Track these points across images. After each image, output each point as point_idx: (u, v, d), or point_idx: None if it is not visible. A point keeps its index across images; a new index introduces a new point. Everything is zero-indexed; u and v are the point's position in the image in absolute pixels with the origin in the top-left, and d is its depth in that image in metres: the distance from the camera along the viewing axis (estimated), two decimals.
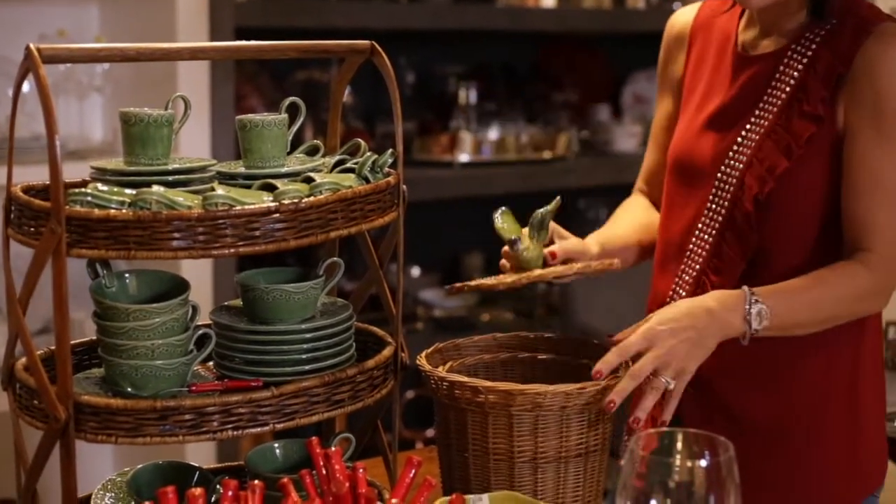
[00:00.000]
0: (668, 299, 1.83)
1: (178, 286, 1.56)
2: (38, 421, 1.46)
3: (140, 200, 1.42)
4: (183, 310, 1.53)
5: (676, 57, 1.98)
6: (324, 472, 1.36)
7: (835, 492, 1.82)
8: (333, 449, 1.37)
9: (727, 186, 1.78)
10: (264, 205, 1.45)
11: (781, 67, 1.78)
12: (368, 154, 1.63)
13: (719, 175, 1.79)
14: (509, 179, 3.80)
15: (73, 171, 1.54)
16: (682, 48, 1.97)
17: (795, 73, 1.75)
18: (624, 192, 2.16)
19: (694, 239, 1.82)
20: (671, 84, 2.00)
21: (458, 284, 1.71)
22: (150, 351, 1.49)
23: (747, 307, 1.64)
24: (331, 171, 1.63)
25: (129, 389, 1.50)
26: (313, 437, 1.43)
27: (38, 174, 1.58)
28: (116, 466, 3.26)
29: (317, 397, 1.53)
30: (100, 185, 1.47)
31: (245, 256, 1.65)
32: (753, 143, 1.76)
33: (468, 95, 3.95)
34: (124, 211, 1.41)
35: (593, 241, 1.87)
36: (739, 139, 1.79)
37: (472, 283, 1.70)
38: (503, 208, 1.77)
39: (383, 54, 1.64)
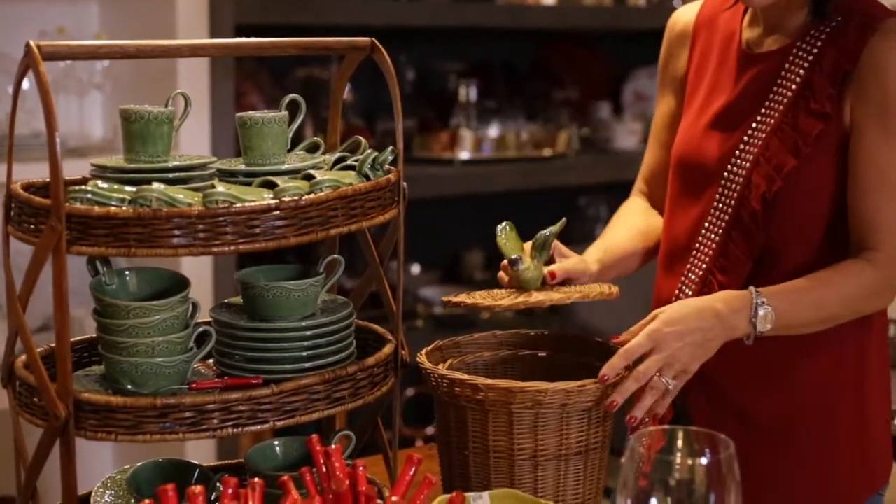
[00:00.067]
0: (673, 299, 1.83)
1: (179, 283, 1.56)
2: (38, 418, 1.46)
3: (140, 198, 1.42)
4: (183, 307, 1.53)
5: (679, 54, 1.98)
6: (324, 469, 1.36)
7: (841, 490, 1.82)
8: (333, 446, 1.37)
9: (734, 185, 1.77)
10: (264, 202, 1.45)
11: (787, 65, 1.77)
12: (369, 151, 1.63)
13: (725, 174, 1.79)
14: (509, 177, 3.80)
15: (73, 169, 1.54)
16: (685, 46, 1.96)
17: (801, 71, 1.75)
18: (624, 189, 2.16)
19: (700, 238, 1.82)
20: (673, 81, 1.99)
21: (455, 299, 1.69)
22: (150, 348, 1.49)
23: (753, 309, 1.64)
24: (331, 168, 1.63)
25: (129, 387, 1.50)
26: (313, 435, 1.43)
27: (38, 171, 1.58)
28: (116, 464, 3.26)
29: (317, 395, 1.53)
30: (100, 183, 1.46)
31: (245, 254, 1.64)
32: (760, 142, 1.76)
33: (468, 93, 3.95)
34: (124, 208, 1.41)
35: (593, 258, 1.86)
36: (746, 138, 1.78)
37: (469, 300, 1.68)
38: (506, 223, 1.75)
39: (383, 51, 1.64)
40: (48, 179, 1.38)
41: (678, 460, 1.17)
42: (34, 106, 1.54)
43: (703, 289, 1.78)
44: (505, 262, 1.74)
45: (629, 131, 4.20)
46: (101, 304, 1.51)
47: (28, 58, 1.40)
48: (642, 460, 1.16)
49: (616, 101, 4.44)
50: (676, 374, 1.61)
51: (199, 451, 2.96)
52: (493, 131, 3.85)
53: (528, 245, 1.76)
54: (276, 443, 1.65)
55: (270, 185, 1.52)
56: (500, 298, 1.69)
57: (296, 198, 1.47)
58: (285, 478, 1.31)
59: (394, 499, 1.28)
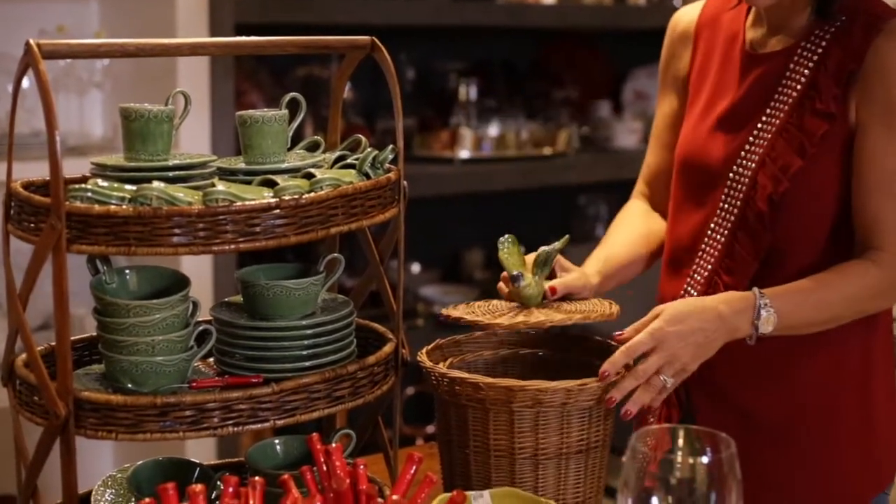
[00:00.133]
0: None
1: (179, 282, 1.56)
2: (38, 417, 1.46)
3: (140, 196, 1.42)
4: (183, 306, 1.52)
5: (681, 54, 1.97)
6: (324, 468, 1.36)
7: (846, 489, 1.82)
8: (334, 445, 1.37)
9: (739, 186, 1.77)
10: (265, 201, 1.45)
11: (791, 65, 1.77)
12: (369, 150, 1.63)
13: (731, 175, 1.79)
14: (509, 176, 3.80)
15: (73, 168, 1.54)
16: (687, 46, 1.96)
17: (806, 71, 1.75)
18: (624, 188, 2.16)
19: (706, 239, 1.81)
20: (675, 82, 1.99)
21: (455, 314, 1.69)
22: (150, 347, 1.49)
23: (756, 311, 1.64)
24: (331, 167, 1.63)
25: (130, 386, 1.50)
26: (314, 434, 1.43)
27: (37, 170, 1.58)
28: (116, 463, 3.26)
29: (317, 394, 1.53)
30: (100, 181, 1.46)
31: (245, 252, 1.64)
32: (765, 143, 1.76)
33: (468, 92, 3.95)
34: (124, 207, 1.41)
35: (593, 270, 1.85)
36: (751, 138, 1.78)
37: (469, 316, 1.68)
38: (508, 236, 1.75)
39: (384, 50, 1.63)
40: (48, 178, 1.38)
41: (679, 459, 1.17)
42: (34, 104, 1.54)
43: (709, 290, 1.78)
44: (505, 274, 1.73)
45: (629, 130, 4.20)
46: (102, 302, 1.51)
47: (28, 56, 1.39)
48: (646, 460, 1.16)
49: (616, 100, 4.44)
50: (675, 373, 1.62)
51: (200, 450, 2.96)
52: (493, 130, 3.85)
53: (530, 258, 1.75)
54: (277, 441, 1.65)
55: (270, 184, 1.52)
56: (500, 314, 1.68)
57: (296, 196, 1.47)
58: (286, 476, 1.31)
59: (394, 497, 1.28)
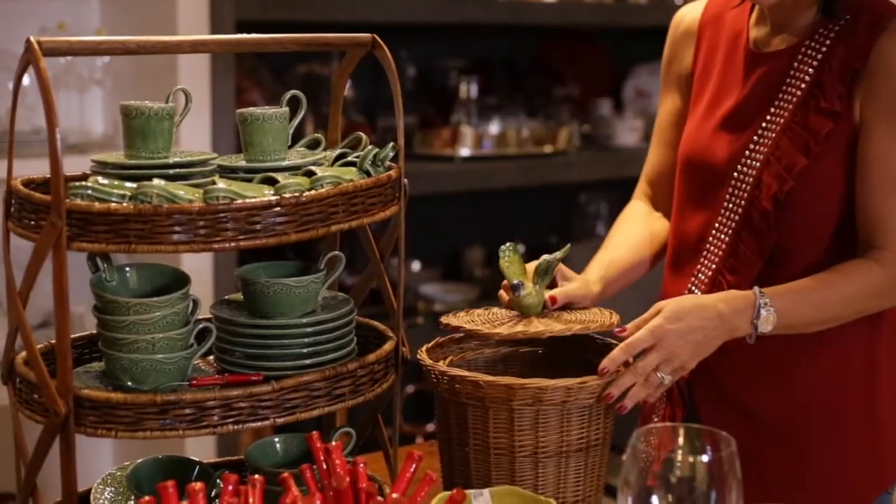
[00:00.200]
0: None
1: (179, 280, 1.56)
2: (38, 415, 1.46)
3: (141, 194, 1.42)
4: (183, 304, 1.52)
5: (684, 53, 1.97)
6: (324, 466, 1.36)
7: (850, 488, 1.82)
8: (334, 443, 1.37)
9: (744, 185, 1.77)
10: (265, 198, 1.45)
11: (795, 64, 1.77)
12: (370, 148, 1.63)
13: (736, 174, 1.78)
14: (510, 173, 3.80)
15: (73, 165, 1.54)
16: (690, 44, 1.95)
17: (810, 70, 1.75)
18: (625, 186, 2.15)
19: (710, 238, 1.81)
20: (678, 80, 1.98)
21: (454, 323, 1.69)
22: (150, 345, 1.49)
23: (756, 311, 1.64)
24: (332, 164, 1.63)
25: (130, 383, 1.50)
26: (314, 432, 1.43)
27: (38, 168, 1.58)
28: (116, 461, 3.26)
29: (317, 392, 1.53)
30: (100, 179, 1.46)
31: (245, 250, 1.63)
32: (770, 142, 1.75)
33: (469, 89, 3.95)
34: (125, 204, 1.41)
35: (595, 277, 1.85)
36: (756, 137, 1.78)
37: (468, 325, 1.67)
38: (509, 244, 1.74)
39: (384, 47, 1.63)
40: (48, 175, 1.38)
41: (679, 458, 1.17)
42: (34, 102, 1.54)
43: (713, 289, 1.78)
44: (506, 282, 1.73)
45: (630, 128, 4.20)
46: (102, 300, 1.51)
47: (28, 54, 1.39)
48: (647, 458, 1.16)
49: (617, 97, 4.44)
50: (673, 371, 1.62)
51: (199, 448, 2.96)
52: (493, 128, 3.85)
53: (531, 266, 1.75)
54: (277, 440, 1.65)
55: (271, 182, 1.51)
56: (499, 323, 1.68)
57: (296, 194, 1.47)
58: (286, 475, 1.31)
59: (394, 496, 1.27)
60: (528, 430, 1.57)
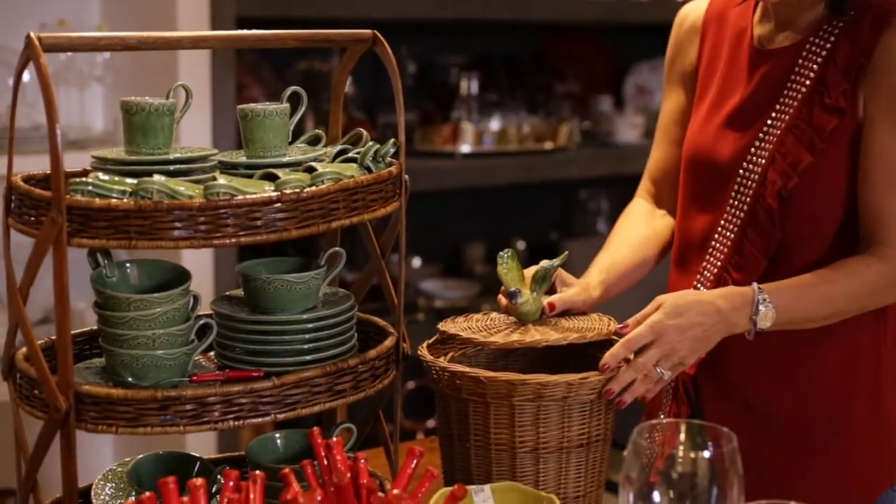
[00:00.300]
0: None
1: (180, 276, 1.56)
2: (38, 411, 1.46)
3: (141, 190, 1.41)
4: (184, 300, 1.52)
5: (688, 49, 1.97)
6: (325, 462, 1.36)
7: (857, 482, 1.82)
8: (335, 439, 1.37)
9: (749, 183, 1.77)
10: (266, 194, 1.45)
11: (800, 61, 1.76)
12: (370, 144, 1.63)
13: (741, 172, 1.78)
14: (511, 170, 3.80)
15: (73, 162, 1.54)
16: (694, 41, 1.95)
17: (815, 67, 1.74)
18: (625, 182, 2.15)
19: (716, 236, 1.81)
20: (682, 77, 1.98)
21: (451, 330, 1.68)
22: (151, 341, 1.49)
23: (755, 307, 1.64)
24: (332, 160, 1.63)
25: (130, 379, 1.49)
26: (314, 428, 1.42)
27: (38, 164, 1.58)
28: (117, 457, 3.26)
29: (318, 387, 1.53)
30: (101, 175, 1.46)
31: (246, 246, 1.63)
32: (775, 139, 1.75)
33: (470, 86, 3.95)
34: (125, 200, 1.41)
35: (595, 280, 1.83)
36: (761, 135, 1.77)
37: (465, 333, 1.67)
38: (508, 250, 1.74)
39: (385, 43, 1.63)
40: (49, 172, 1.38)
41: (681, 453, 1.17)
42: (35, 98, 1.54)
43: (718, 287, 1.77)
44: (504, 288, 1.72)
45: (631, 125, 4.20)
46: (102, 296, 1.51)
47: (29, 49, 1.39)
48: (649, 455, 1.16)
49: (618, 94, 4.44)
50: (673, 366, 1.62)
51: (200, 444, 2.96)
52: (494, 124, 3.85)
53: (529, 272, 1.74)
54: (277, 435, 1.65)
55: (272, 178, 1.51)
56: (496, 331, 1.67)
57: (297, 190, 1.47)
58: (286, 470, 1.31)
59: (395, 492, 1.27)
60: (529, 426, 1.57)
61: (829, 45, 1.74)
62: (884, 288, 1.72)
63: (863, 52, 1.71)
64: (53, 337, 1.46)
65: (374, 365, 1.60)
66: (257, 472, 1.29)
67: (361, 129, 1.71)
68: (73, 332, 1.46)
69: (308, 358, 1.56)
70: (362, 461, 1.32)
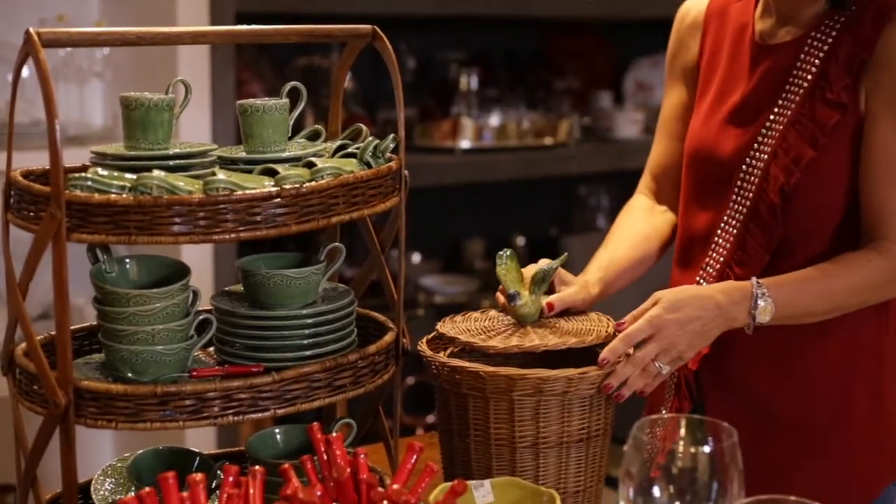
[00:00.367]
0: None
1: (179, 271, 1.56)
2: (38, 406, 1.46)
3: (141, 185, 1.41)
4: (183, 295, 1.52)
5: (689, 45, 1.96)
6: (325, 457, 1.36)
7: (858, 478, 1.81)
8: (334, 435, 1.37)
9: (752, 179, 1.77)
10: (265, 190, 1.45)
11: (802, 56, 1.76)
12: (370, 139, 1.63)
13: (744, 167, 1.78)
14: (511, 166, 3.80)
15: (73, 157, 1.54)
16: (696, 36, 1.95)
17: (816, 62, 1.74)
18: (625, 178, 2.15)
19: (718, 232, 1.81)
20: (683, 72, 1.98)
21: (450, 333, 1.68)
22: (150, 336, 1.48)
23: (753, 301, 1.64)
24: (332, 156, 1.63)
25: (130, 375, 1.49)
26: (314, 423, 1.43)
27: (37, 160, 1.58)
28: (116, 452, 3.26)
29: (318, 383, 1.53)
30: (100, 170, 1.46)
31: (245, 241, 1.63)
32: (777, 134, 1.75)
33: (469, 81, 3.94)
34: (125, 196, 1.40)
35: (595, 278, 1.83)
36: (763, 130, 1.77)
37: (463, 336, 1.66)
38: (507, 251, 1.73)
39: (385, 39, 1.63)
40: (48, 167, 1.38)
41: (681, 448, 1.17)
42: (34, 94, 1.54)
43: (721, 282, 1.77)
44: (503, 287, 1.72)
45: (630, 121, 4.19)
46: (102, 291, 1.51)
47: (28, 45, 1.39)
48: (651, 450, 1.16)
49: (617, 90, 4.44)
50: (671, 361, 1.62)
51: (200, 439, 2.96)
52: (494, 120, 3.85)
53: (529, 272, 1.74)
54: (277, 431, 1.65)
55: (271, 173, 1.51)
56: (495, 333, 1.66)
57: (297, 185, 1.47)
58: (286, 466, 1.31)
59: (395, 487, 1.27)
60: (528, 421, 1.57)
61: (830, 40, 1.74)
62: (885, 283, 1.72)
63: (864, 47, 1.70)
64: (53, 332, 1.46)
65: (373, 360, 1.60)
66: (257, 467, 1.29)
67: (361, 125, 1.71)
68: (72, 327, 1.46)
69: (308, 353, 1.56)
70: (362, 456, 1.32)
